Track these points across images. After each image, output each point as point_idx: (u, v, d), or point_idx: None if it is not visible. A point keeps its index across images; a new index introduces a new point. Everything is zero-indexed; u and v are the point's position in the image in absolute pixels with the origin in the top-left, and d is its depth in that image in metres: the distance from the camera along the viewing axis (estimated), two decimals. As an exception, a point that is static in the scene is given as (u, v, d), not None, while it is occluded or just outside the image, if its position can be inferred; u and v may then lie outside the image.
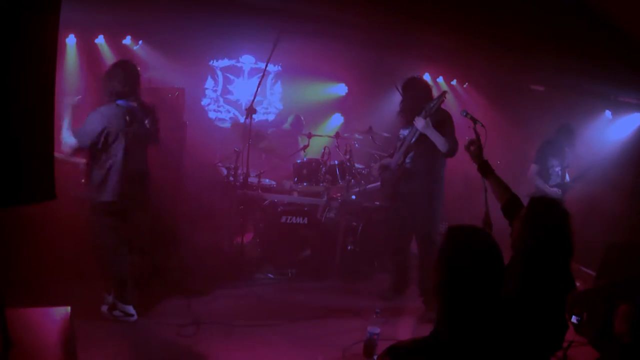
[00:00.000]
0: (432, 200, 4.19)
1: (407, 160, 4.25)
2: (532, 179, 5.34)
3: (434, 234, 4.22)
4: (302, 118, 6.53)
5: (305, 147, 5.66)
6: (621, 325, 2.61)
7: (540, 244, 2.26)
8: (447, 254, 1.58)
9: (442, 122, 4.08)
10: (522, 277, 2.27)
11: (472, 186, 5.51)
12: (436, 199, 4.21)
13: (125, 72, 3.61)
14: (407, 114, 4.24)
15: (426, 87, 4.30)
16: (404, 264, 4.57)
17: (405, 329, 4.02)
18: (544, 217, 2.31)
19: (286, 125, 6.47)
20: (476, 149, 2.89)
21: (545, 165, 5.31)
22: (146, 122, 3.70)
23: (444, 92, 4.10)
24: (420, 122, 4.02)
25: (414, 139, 4.15)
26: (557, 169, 5.33)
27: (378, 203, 5.68)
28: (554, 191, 5.24)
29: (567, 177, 5.36)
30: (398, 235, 4.49)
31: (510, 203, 2.66)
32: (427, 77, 7.56)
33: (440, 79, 7.49)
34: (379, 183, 5.77)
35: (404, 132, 4.32)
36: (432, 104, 4.01)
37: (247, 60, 6.95)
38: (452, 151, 4.07)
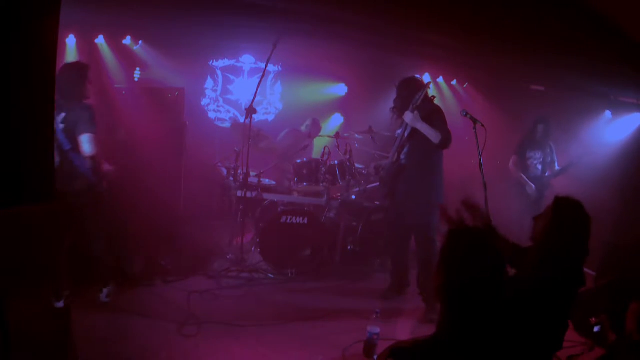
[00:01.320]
0: (430, 194, 4.14)
1: (402, 157, 4.25)
2: (511, 169, 5.52)
3: (433, 231, 4.19)
4: (320, 122, 6.48)
5: (306, 146, 5.66)
6: (631, 323, 2.62)
7: (562, 241, 2.31)
8: (448, 256, 1.59)
9: (432, 114, 4.09)
10: (536, 269, 2.32)
11: (471, 185, 5.51)
12: (434, 192, 4.16)
13: (60, 77, 3.49)
14: (400, 113, 4.27)
15: (419, 87, 4.28)
16: (403, 263, 4.57)
17: (405, 329, 4.02)
18: (569, 217, 2.35)
19: (304, 128, 6.40)
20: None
21: (523, 156, 5.47)
22: (59, 123, 3.60)
23: (428, 83, 4.14)
24: (408, 116, 4.05)
25: (406, 135, 4.16)
26: (535, 161, 5.44)
27: (378, 203, 5.68)
28: (530, 188, 5.35)
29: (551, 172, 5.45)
30: (397, 234, 4.48)
31: (513, 254, 2.60)
32: (427, 77, 7.56)
33: (440, 79, 7.49)
34: (379, 183, 5.78)
35: (399, 132, 4.32)
36: (417, 97, 4.03)
37: (247, 60, 6.95)
38: (445, 142, 4.04)
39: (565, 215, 2.35)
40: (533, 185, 5.36)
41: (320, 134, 6.17)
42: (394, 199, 4.38)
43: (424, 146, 4.09)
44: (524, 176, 5.41)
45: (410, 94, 4.18)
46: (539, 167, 5.46)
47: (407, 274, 4.60)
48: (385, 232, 4.73)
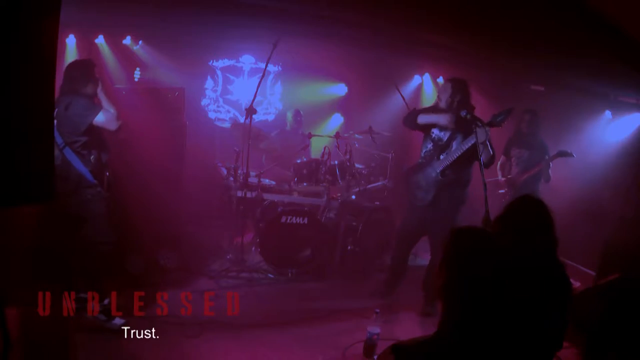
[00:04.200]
0: (460, 206, 4.21)
1: (449, 168, 4.16)
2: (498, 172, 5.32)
3: None
4: (301, 112, 6.45)
5: (306, 146, 5.66)
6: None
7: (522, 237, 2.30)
8: (451, 255, 1.59)
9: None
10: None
11: (472, 185, 5.52)
12: (463, 204, 4.23)
13: (64, 73, 3.53)
14: (455, 119, 4.13)
15: (468, 95, 4.22)
16: (404, 264, 4.60)
17: (405, 329, 4.03)
18: (519, 213, 2.37)
19: (288, 127, 6.40)
20: None
21: (508, 155, 5.30)
22: None
23: (512, 109, 3.95)
24: (483, 134, 3.83)
25: (464, 150, 4.01)
26: (519, 160, 5.20)
27: (378, 203, 5.68)
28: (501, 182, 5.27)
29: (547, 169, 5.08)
30: (411, 236, 4.50)
31: None
32: (427, 77, 7.56)
33: (440, 79, 7.49)
34: (379, 183, 5.78)
35: (439, 133, 4.25)
36: (499, 118, 3.85)
37: (247, 60, 6.95)
38: (492, 163, 4.06)
39: (515, 212, 2.37)
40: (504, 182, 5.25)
41: (320, 133, 6.16)
42: (421, 204, 4.29)
43: (470, 162, 4.09)
44: (501, 177, 5.29)
45: (462, 100, 4.11)
46: (521, 166, 5.19)
47: (403, 274, 4.63)
48: (400, 232, 4.64)
